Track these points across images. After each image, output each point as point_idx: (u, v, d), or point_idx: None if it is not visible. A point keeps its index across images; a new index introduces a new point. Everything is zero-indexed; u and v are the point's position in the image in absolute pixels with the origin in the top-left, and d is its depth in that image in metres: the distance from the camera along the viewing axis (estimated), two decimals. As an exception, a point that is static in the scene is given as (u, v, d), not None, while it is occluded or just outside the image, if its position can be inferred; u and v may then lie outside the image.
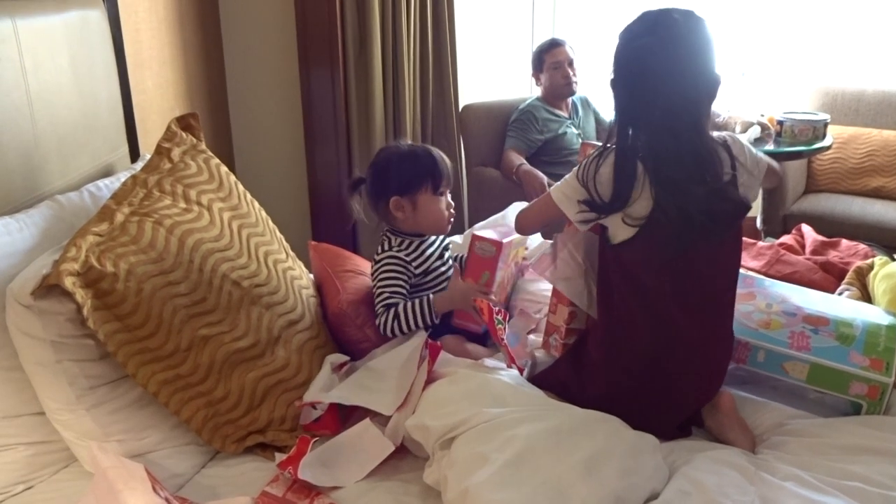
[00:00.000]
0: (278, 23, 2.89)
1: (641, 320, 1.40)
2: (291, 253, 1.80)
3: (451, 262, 1.83)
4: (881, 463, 1.28)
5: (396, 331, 1.63)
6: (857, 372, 1.43)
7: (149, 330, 1.36)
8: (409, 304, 1.64)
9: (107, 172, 1.83)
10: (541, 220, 1.58)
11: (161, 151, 1.66)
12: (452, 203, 1.77)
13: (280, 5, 2.86)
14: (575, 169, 1.44)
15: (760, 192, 3.33)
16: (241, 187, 1.74)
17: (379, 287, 1.68)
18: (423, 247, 1.75)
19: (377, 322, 1.65)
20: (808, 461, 1.30)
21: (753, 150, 1.47)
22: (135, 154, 2.03)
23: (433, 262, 1.75)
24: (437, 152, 1.74)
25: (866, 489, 1.22)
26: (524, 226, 1.62)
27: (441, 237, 1.82)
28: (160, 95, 2.41)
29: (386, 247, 1.73)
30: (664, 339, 1.39)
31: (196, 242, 1.49)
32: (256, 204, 1.77)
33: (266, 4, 2.88)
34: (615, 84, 1.41)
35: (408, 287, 1.70)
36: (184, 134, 1.74)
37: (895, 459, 1.28)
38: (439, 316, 1.65)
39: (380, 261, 1.71)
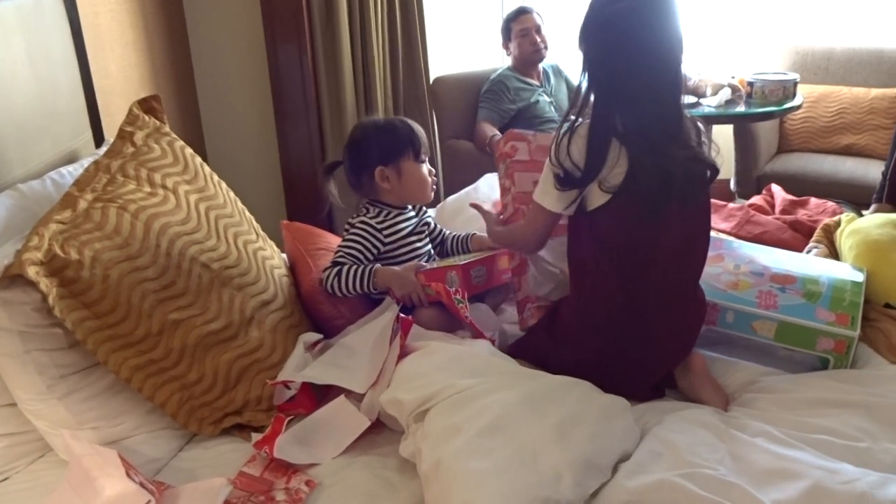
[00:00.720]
0: (242, 1, 2.84)
1: (616, 284, 1.41)
2: (262, 233, 1.79)
3: (427, 239, 1.83)
4: (847, 415, 1.30)
5: (336, 289, 1.65)
6: (824, 328, 1.45)
7: (118, 316, 1.35)
8: (354, 267, 1.66)
9: (71, 159, 1.81)
10: (536, 232, 1.51)
11: (123, 135, 1.64)
12: (433, 170, 1.80)
13: (243, -19, 2.82)
14: (546, 163, 1.42)
15: (733, 153, 3.36)
16: (207, 169, 1.72)
17: (339, 246, 1.72)
18: (398, 218, 1.76)
19: (321, 277, 1.68)
20: (777, 416, 1.32)
21: None
22: (99, 139, 2.00)
23: (406, 236, 1.76)
24: (412, 122, 1.78)
25: (833, 441, 1.25)
26: (531, 244, 1.56)
27: (419, 212, 1.84)
28: (124, 78, 2.37)
29: (361, 213, 1.75)
30: (639, 303, 1.41)
31: (162, 226, 1.48)
32: (224, 185, 1.75)
33: (229, -20, 2.83)
34: (589, 53, 1.39)
35: (371, 254, 1.71)
36: (146, 117, 1.71)
37: (861, 411, 1.31)
38: (378, 287, 1.66)
39: (351, 225, 1.74)
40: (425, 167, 1.76)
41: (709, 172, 1.41)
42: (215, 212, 1.63)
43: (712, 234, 1.74)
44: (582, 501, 1.13)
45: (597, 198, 1.38)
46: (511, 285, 1.72)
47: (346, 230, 1.74)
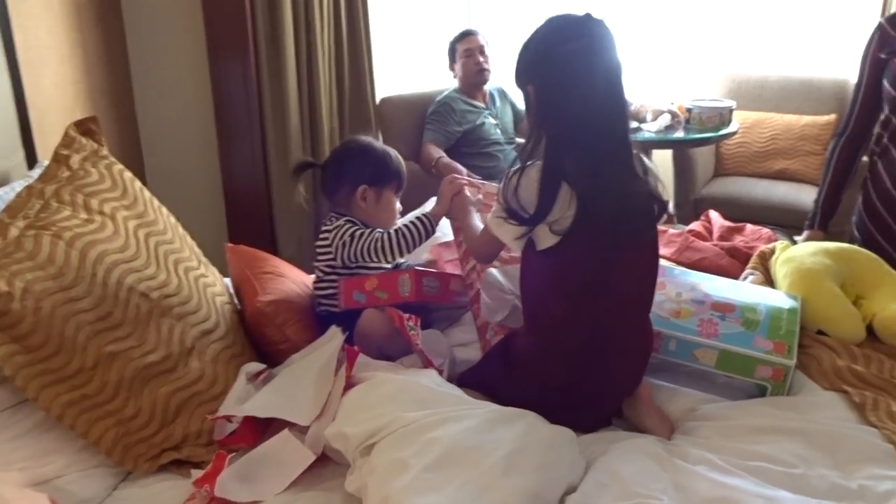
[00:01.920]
0: (184, 16, 2.78)
1: (571, 322, 1.40)
2: (204, 259, 1.75)
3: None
4: (785, 441, 1.34)
5: (404, 247, 1.66)
6: (762, 356, 1.49)
7: (50, 350, 1.30)
8: (404, 228, 1.68)
9: (1, 181, 1.74)
10: (489, 250, 1.56)
11: (59, 159, 1.58)
12: (401, 207, 1.87)
13: (185, -2, 2.76)
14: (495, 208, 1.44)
15: (672, 177, 3.45)
16: (147, 193, 1.68)
17: (348, 230, 1.70)
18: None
19: (367, 243, 1.66)
20: (718, 444, 1.35)
21: None
22: (32, 159, 1.93)
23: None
24: (401, 159, 1.85)
25: (771, 468, 1.28)
26: (482, 258, 1.63)
27: None
28: (60, 95, 2.29)
29: (337, 218, 1.75)
30: (592, 338, 1.40)
31: (99, 255, 1.43)
32: (164, 210, 1.71)
33: (170, -3, 2.77)
34: (537, 93, 1.39)
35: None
36: (83, 139, 1.66)
37: (798, 437, 1.35)
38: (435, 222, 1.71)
39: (338, 225, 1.72)
40: (398, 203, 1.84)
41: (657, 208, 1.43)
42: (155, 238, 1.59)
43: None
44: (529, 536, 1.13)
45: (547, 239, 1.38)
46: (467, 308, 1.75)
47: (342, 228, 1.71)
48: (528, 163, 1.39)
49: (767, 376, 1.49)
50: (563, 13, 1.38)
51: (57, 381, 1.30)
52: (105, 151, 1.68)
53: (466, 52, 3.16)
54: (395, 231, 1.67)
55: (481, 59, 3.17)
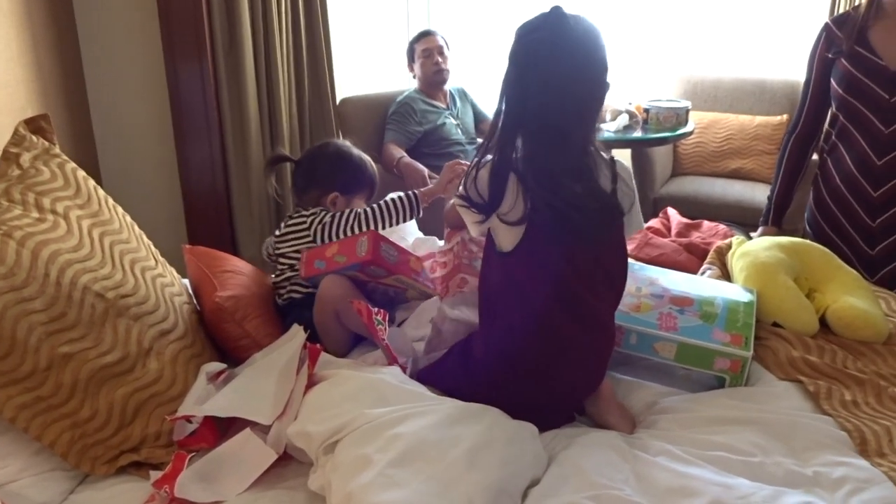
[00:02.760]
0: (139, 15, 2.74)
1: (527, 328, 1.39)
2: (161, 259, 1.72)
3: None
4: (743, 431, 1.36)
5: (386, 219, 1.73)
6: (720, 348, 1.52)
7: (1, 352, 1.26)
8: (390, 199, 1.74)
9: (-52, 181, 1.68)
10: (460, 220, 1.54)
11: (8, 157, 1.54)
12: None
13: (140, -4, 2.72)
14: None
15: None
16: (101, 192, 1.64)
17: (327, 214, 1.74)
18: None
19: (350, 221, 1.72)
20: (677, 435, 1.37)
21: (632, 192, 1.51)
22: (-20, 159, 1.87)
23: None
24: (375, 166, 1.90)
25: (729, 457, 1.30)
26: (449, 223, 1.67)
27: None
28: (8, 95, 2.24)
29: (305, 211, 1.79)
30: (550, 345, 1.40)
31: (52, 254, 1.40)
32: (120, 209, 1.68)
33: (125, -5, 2.72)
34: (506, 81, 1.38)
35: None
36: (34, 137, 1.62)
37: (755, 427, 1.38)
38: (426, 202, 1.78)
39: (314, 212, 1.76)
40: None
41: (613, 214, 1.41)
42: (110, 238, 1.56)
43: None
44: (493, 529, 1.14)
45: (504, 237, 1.39)
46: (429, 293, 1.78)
47: (307, 213, 1.74)
48: (488, 157, 1.39)
49: (725, 368, 1.52)
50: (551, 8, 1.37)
51: (9, 383, 1.26)
52: (57, 150, 1.64)
53: (425, 53, 3.17)
54: (379, 204, 1.69)
55: (439, 59, 3.17)
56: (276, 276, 1.79)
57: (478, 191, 1.37)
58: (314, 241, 1.73)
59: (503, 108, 1.38)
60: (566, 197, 1.34)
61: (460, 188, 1.42)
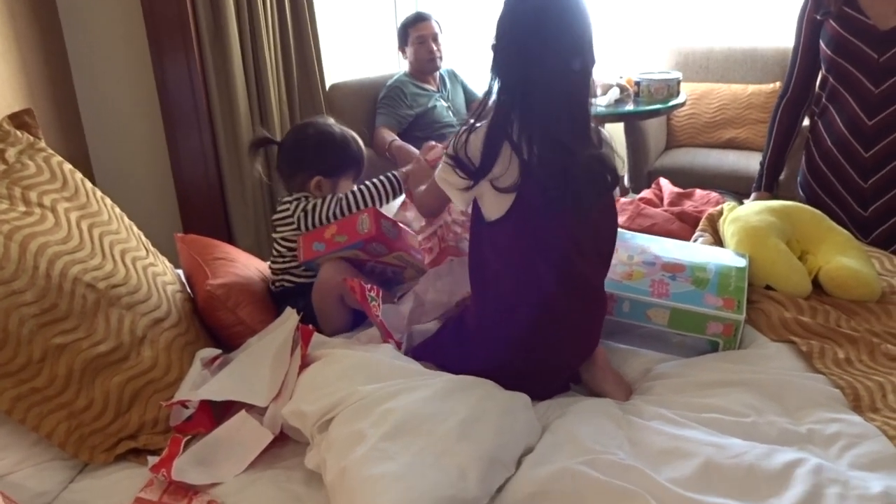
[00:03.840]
0: (123, 6, 2.72)
1: (517, 297, 1.40)
2: (152, 249, 1.72)
3: None
4: (736, 393, 1.37)
5: (369, 202, 1.69)
6: (713, 312, 1.52)
7: (-7, 345, 1.27)
8: (371, 182, 1.70)
9: (-65, 180, 1.68)
10: (434, 203, 1.58)
11: (-6, 152, 1.54)
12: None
13: (122, -12, 2.70)
14: (443, 163, 1.42)
15: (625, 150, 3.49)
16: (88, 185, 1.64)
17: (309, 201, 1.71)
18: None
19: (331, 207, 1.69)
20: (671, 400, 1.38)
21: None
22: (-32, 158, 1.87)
23: None
24: (362, 143, 1.80)
25: (723, 419, 1.31)
26: (425, 211, 1.65)
27: None
28: (-6, 93, 2.23)
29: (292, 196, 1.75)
30: (542, 313, 1.40)
31: (40, 247, 1.40)
32: (109, 201, 1.68)
33: (107, -11, 2.71)
34: (500, 50, 1.35)
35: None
36: (18, 132, 1.62)
37: (748, 388, 1.38)
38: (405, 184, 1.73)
39: (297, 197, 1.73)
40: (355, 187, 1.78)
41: (609, 177, 1.39)
42: (99, 229, 1.56)
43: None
44: (487, 497, 1.14)
45: (492, 205, 1.37)
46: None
47: (291, 199, 1.72)
48: (479, 123, 1.38)
49: (719, 332, 1.52)
50: None
51: (3, 375, 1.27)
52: (42, 144, 1.64)
53: (419, 39, 3.14)
54: (360, 189, 1.67)
55: (434, 46, 3.15)
56: (273, 257, 1.79)
57: (468, 154, 1.36)
58: (298, 228, 1.71)
59: (499, 75, 1.35)
60: (578, 163, 1.33)
61: (449, 149, 1.39)
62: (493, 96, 1.37)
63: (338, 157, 1.75)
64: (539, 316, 1.40)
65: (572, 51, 1.32)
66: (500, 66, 1.36)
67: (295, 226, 1.72)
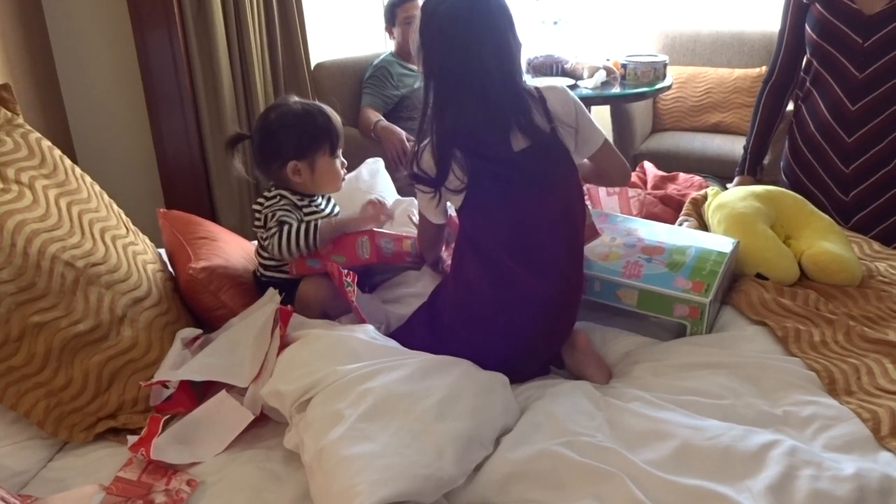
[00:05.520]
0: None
1: (482, 278, 1.43)
2: (133, 227, 1.71)
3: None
4: (712, 376, 1.38)
5: (284, 249, 1.60)
6: (679, 294, 1.53)
7: (-31, 323, 1.26)
8: (297, 224, 1.61)
9: (-90, 156, 1.66)
10: (428, 239, 1.63)
11: (-30, 129, 1.52)
12: (345, 161, 1.73)
13: (104, -37, 2.66)
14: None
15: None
16: (67, 162, 1.62)
17: (272, 209, 1.63)
18: (312, 205, 1.71)
19: (266, 241, 1.62)
20: (650, 382, 1.39)
21: (577, 108, 1.49)
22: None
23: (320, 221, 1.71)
24: (330, 110, 1.68)
25: (700, 401, 1.32)
26: (427, 254, 1.69)
27: (328, 201, 1.78)
28: (-28, 68, 2.20)
29: (273, 189, 1.68)
30: (504, 294, 1.42)
31: (17, 224, 1.39)
32: (88, 179, 1.66)
33: (88, -37, 2.67)
34: (426, 55, 1.41)
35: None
36: (-5, 108, 1.59)
37: (726, 371, 1.40)
38: (323, 242, 1.62)
39: (272, 197, 1.65)
40: (339, 161, 1.70)
41: (555, 160, 1.43)
42: (78, 207, 1.55)
43: (600, 210, 1.80)
44: (464, 476, 1.15)
45: (451, 198, 1.45)
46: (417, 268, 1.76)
47: (271, 202, 1.64)
48: (426, 140, 1.43)
49: (685, 314, 1.53)
50: None
51: (-21, 354, 1.26)
52: (20, 120, 1.61)
53: (407, 20, 3.11)
54: (288, 236, 1.60)
55: None
56: (258, 254, 1.74)
57: (423, 168, 1.43)
58: None
59: (430, 84, 1.41)
60: (501, 154, 1.38)
61: (407, 169, 1.46)
62: (424, 102, 1.43)
63: (304, 134, 1.63)
64: (501, 297, 1.42)
65: (482, 55, 1.37)
66: (426, 76, 1.42)
67: None
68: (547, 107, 1.43)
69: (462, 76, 1.37)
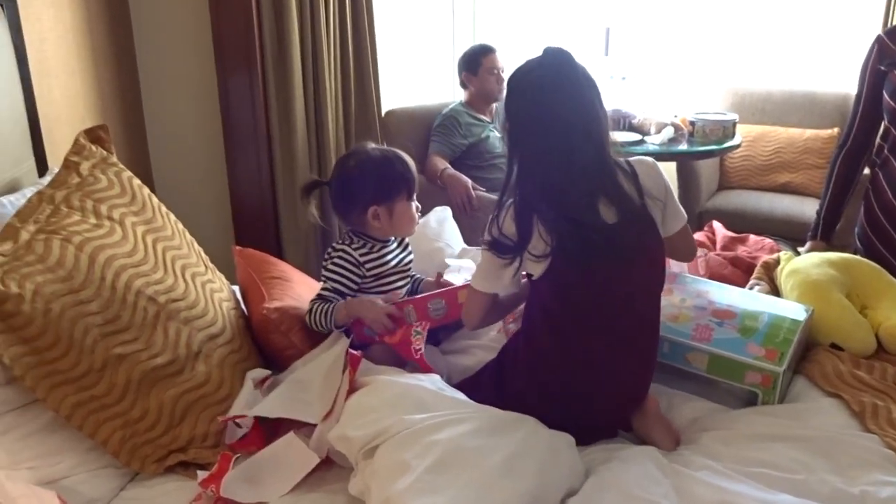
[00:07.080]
0: (193, 28, 2.83)
1: (557, 353, 1.42)
2: (211, 265, 1.77)
3: (409, 279, 1.81)
4: (784, 449, 1.35)
5: (311, 324, 1.64)
6: (751, 362, 1.50)
7: (59, 351, 1.32)
8: (324, 305, 1.64)
9: (12, 188, 1.76)
10: (480, 313, 1.55)
11: (69, 165, 1.61)
12: (419, 206, 1.77)
13: (194, 10, 2.80)
14: (483, 253, 1.46)
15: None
16: (155, 200, 1.70)
17: (330, 265, 1.69)
18: (383, 251, 1.74)
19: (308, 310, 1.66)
20: (719, 451, 1.36)
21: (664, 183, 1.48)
22: (42, 167, 1.95)
23: (388, 274, 1.74)
24: (406, 156, 1.72)
25: (772, 474, 1.28)
26: (474, 325, 1.61)
27: (402, 244, 1.81)
28: (69, 106, 2.33)
29: (345, 242, 1.71)
30: (579, 369, 1.42)
31: (108, 259, 1.46)
32: (172, 216, 1.73)
33: (179, 9, 2.81)
34: (511, 123, 1.42)
35: (351, 287, 1.69)
36: (93, 147, 1.69)
37: (799, 444, 1.36)
38: (339, 324, 1.63)
39: (335, 253, 1.69)
40: (414, 205, 1.73)
41: (640, 235, 1.41)
42: (163, 244, 1.61)
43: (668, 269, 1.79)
44: (530, 537, 1.14)
45: (532, 268, 1.41)
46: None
47: (328, 257, 1.70)
48: (509, 200, 1.41)
49: (757, 382, 1.50)
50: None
51: (65, 381, 1.32)
52: (114, 159, 1.70)
53: (491, 70, 3.18)
54: (315, 314, 1.64)
55: (504, 77, 3.19)
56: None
57: (504, 233, 1.40)
58: None
59: (514, 155, 1.41)
60: (589, 219, 1.36)
61: (486, 236, 1.43)
62: (508, 167, 1.42)
63: (384, 180, 1.67)
64: (575, 371, 1.42)
65: (571, 121, 1.36)
66: (511, 144, 1.42)
67: None
68: (638, 181, 1.42)
69: (550, 151, 1.36)
